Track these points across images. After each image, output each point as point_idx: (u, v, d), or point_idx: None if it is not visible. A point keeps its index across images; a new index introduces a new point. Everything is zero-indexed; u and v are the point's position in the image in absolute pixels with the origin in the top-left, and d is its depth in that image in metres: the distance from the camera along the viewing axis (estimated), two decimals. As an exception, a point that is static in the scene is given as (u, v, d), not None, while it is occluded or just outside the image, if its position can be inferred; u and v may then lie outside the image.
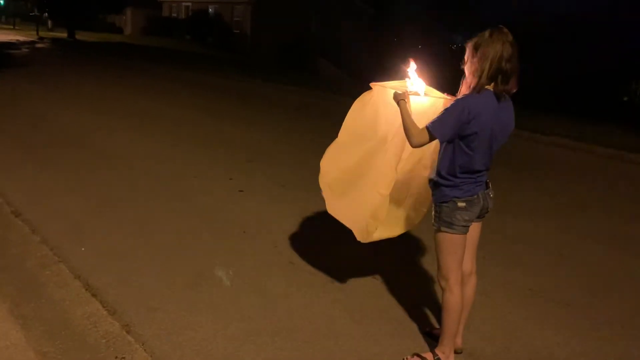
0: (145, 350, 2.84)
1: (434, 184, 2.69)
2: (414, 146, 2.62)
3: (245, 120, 10.12)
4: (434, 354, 2.81)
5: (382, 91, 3.06)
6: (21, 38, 30.05)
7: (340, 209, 3.31)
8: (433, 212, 2.73)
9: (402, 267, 4.12)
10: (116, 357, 2.77)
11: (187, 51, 27.32)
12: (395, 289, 3.71)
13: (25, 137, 7.50)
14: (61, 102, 10.68)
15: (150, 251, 4.11)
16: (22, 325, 3.03)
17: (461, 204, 2.61)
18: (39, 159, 6.41)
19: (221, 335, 3.04)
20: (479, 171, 2.62)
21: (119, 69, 18.08)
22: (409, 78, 2.94)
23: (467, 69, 2.56)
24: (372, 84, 3.13)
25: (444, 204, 2.64)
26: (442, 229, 2.66)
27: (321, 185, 3.39)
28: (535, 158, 8.73)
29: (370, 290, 3.69)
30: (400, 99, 2.70)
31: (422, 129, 2.55)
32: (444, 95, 2.94)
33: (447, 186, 2.62)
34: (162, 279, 3.66)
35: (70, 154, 6.76)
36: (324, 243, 4.44)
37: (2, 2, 49.16)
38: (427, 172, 3.01)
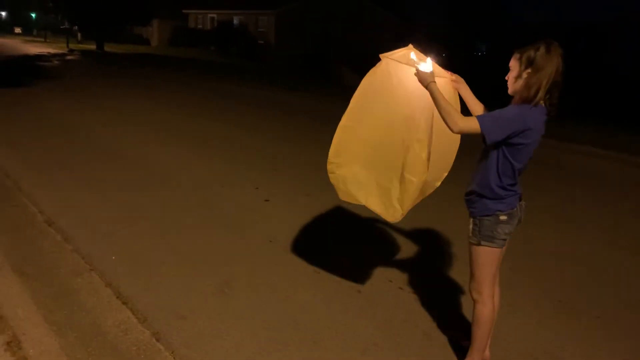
0: (174, 358, 2.89)
1: (476, 196, 2.63)
2: (456, 132, 2.51)
3: (271, 130, 10.21)
4: None
5: (393, 65, 2.89)
6: (52, 50, 30.86)
7: (360, 193, 3.10)
8: (471, 225, 2.68)
9: (428, 277, 4.10)
10: (147, 364, 2.83)
11: (212, 61, 27.73)
12: (422, 298, 3.70)
13: (58, 148, 7.68)
14: (91, 113, 10.93)
15: (178, 260, 4.18)
16: (55, 332, 3.11)
17: (503, 217, 2.57)
18: (70, 169, 6.56)
19: (248, 344, 3.07)
20: (516, 182, 2.60)
21: (147, 79, 18.43)
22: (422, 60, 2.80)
23: (516, 80, 2.52)
24: (381, 55, 2.94)
25: (486, 218, 2.59)
26: (483, 243, 2.62)
27: (332, 179, 3.22)
28: (565, 166, 8.61)
29: (396, 300, 3.69)
30: (429, 82, 2.61)
31: (470, 117, 2.49)
32: (448, 74, 2.88)
33: (492, 199, 2.57)
34: (190, 287, 3.71)
35: (100, 164, 6.91)
36: (350, 253, 4.45)
37: (33, 15, 50.66)
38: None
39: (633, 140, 10.50)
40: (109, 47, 33.38)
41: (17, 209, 5.09)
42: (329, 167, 3.16)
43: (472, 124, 2.45)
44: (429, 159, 2.74)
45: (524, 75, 2.48)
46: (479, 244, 2.64)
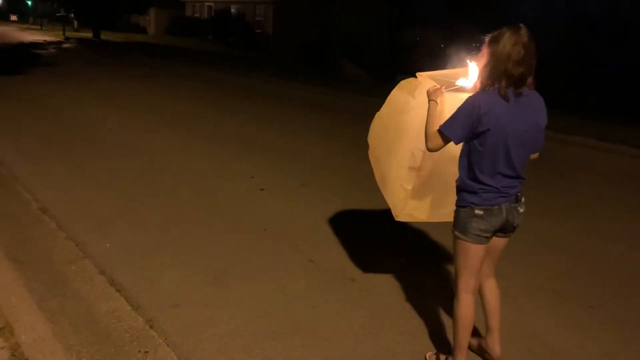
0: (168, 345, 2.89)
1: (457, 187, 2.62)
2: (429, 150, 2.59)
3: (268, 119, 10.17)
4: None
5: (427, 83, 2.94)
6: (48, 38, 30.64)
7: (381, 182, 3.30)
8: (453, 216, 2.67)
9: (423, 267, 4.10)
10: (140, 352, 2.83)
11: (209, 51, 27.56)
12: (417, 289, 3.70)
13: (52, 136, 7.65)
14: (87, 101, 10.87)
15: (173, 248, 4.17)
16: (48, 319, 3.11)
17: (478, 212, 2.49)
18: (65, 157, 6.54)
19: (242, 332, 3.07)
20: (505, 177, 2.49)
21: (143, 68, 18.32)
22: (466, 75, 2.78)
23: (478, 64, 2.52)
24: (418, 74, 3.00)
25: (462, 208, 2.56)
26: (456, 233, 2.59)
27: (371, 159, 3.39)
28: (563, 158, 8.60)
29: (391, 289, 3.69)
30: (432, 99, 2.63)
31: (435, 131, 2.51)
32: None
33: (467, 191, 2.54)
34: (184, 276, 3.71)
35: (95, 152, 6.88)
36: (345, 242, 4.44)
37: (30, 3, 50.20)
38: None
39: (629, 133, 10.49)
40: (105, 36, 33.13)
41: (12, 197, 5.08)
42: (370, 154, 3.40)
43: (437, 137, 2.51)
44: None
45: (481, 58, 2.48)
46: (453, 233, 2.62)
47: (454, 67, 2.92)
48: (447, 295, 3.62)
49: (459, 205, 2.59)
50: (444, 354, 2.85)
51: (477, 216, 2.50)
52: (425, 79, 2.95)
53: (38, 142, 7.19)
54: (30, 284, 3.49)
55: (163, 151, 7.21)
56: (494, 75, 2.39)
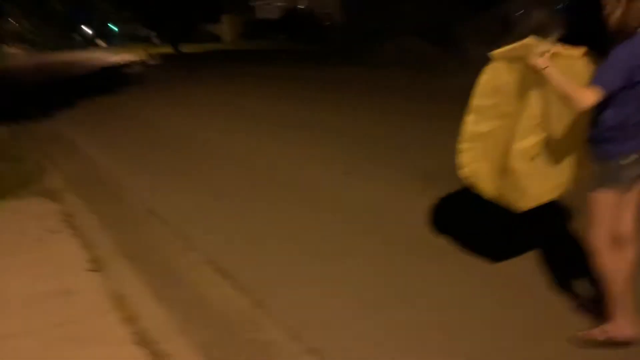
0: (276, 323, 3.05)
1: (594, 140, 2.53)
2: (581, 110, 2.42)
3: (353, 106, 10.24)
4: (603, 330, 2.60)
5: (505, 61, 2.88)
6: (133, 58, 32.55)
7: (489, 186, 3.11)
8: (592, 171, 2.57)
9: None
10: (250, 331, 3.01)
11: (281, 49, 28.03)
12: (532, 256, 3.62)
13: (152, 147, 8.19)
14: (179, 111, 11.51)
15: (273, 234, 4.39)
16: (166, 307, 3.36)
17: (626, 161, 2.42)
18: (165, 164, 6.99)
19: (348, 306, 3.18)
20: None
21: (225, 74, 19.00)
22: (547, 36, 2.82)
23: (614, 14, 2.39)
24: (492, 53, 2.93)
25: (606, 160, 2.48)
26: (601, 187, 2.49)
27: (463, 173, 3.20)
28: None
29: (497, 266, 3.62)
30: (541, 68, 2.52)
31: (585, 88, 2.38)
32: (578, 51, 2.74)
33: (611, 141, 2.45)
34: (287, 259, 3.89)
35: (192, 157, 7.29)
36: (431, 214, 4.42)
37: (115, 28, 53.73)
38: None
39: None
40: (184, 48, 34.72)
41: (121, 202, 5.52)
42: (460, 160, 3.19)
43: (590, 94, 2.35)
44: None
45: (621, 5, 2.34)
46: (597, 189, 2.50)
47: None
48: (569, 263, 3.52)
49: (602, 158, 2.50)
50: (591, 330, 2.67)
51: (624, 166, 2.44)
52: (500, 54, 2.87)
53: (138, 151, 7.74)
54: (147, 277, 3.78)
55: (251, 148, 7.49)
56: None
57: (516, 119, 2.90)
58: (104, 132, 9.60)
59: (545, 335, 2.77)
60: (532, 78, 2.73)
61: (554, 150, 2.91)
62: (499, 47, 2.91)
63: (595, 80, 2.38)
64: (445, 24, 21.13)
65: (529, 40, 2.73)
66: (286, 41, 33.58)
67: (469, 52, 16.51)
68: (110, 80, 19.99)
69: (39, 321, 3.20)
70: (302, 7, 35.28)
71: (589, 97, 2.35)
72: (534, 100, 2.81)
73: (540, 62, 2.54)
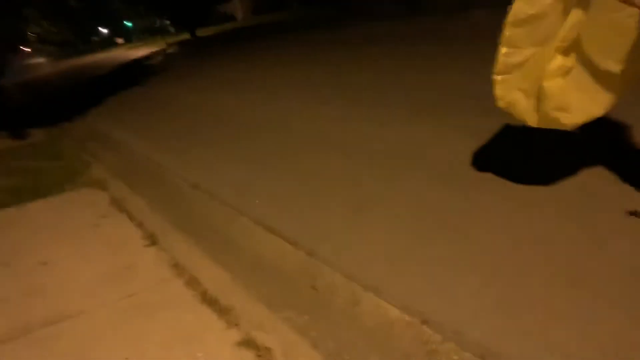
0: (331, 267, 3.12)
1: None
2: None
3: (374, 60, 10.10)
4: None
5: None
6: (153, 49, 32.89)
7: (527, 114, 3.06)
8: None
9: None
10: (309, 278, 3.10)
11: (295, 18, 27.70)
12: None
13: (183, 126, 8.32)
14: (203, 87, 11.63)
15: (311, 189, 4.44)
16: (225, 269, 3.49)
17: None
18: (199, 140, 7.11)
19: (394, 244, 3.23)
20: None
21: (242, 52, 18.99)
22: None
23: None
24: None
25: None
26: None
27: (501, 104, 3.14)
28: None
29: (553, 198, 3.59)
30: None
31: None
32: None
33: None
34: (330, 211, 3.93)
35: (227, 131, 7.39)
36: (476, 151, 4.37)
37: (130, 24, 54.14)
38: None
39: None
40: (200, 32, 34.81)
41: (165, 182, 5.67)
42: (496, 93, 3.11)
43: None
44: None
45: None
46: None
47: None
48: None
49: None
50: None
51: None
52: None
53: (171, 134, 7.89)
54: (201, 245, 3.92)
55: (280, 110, 7.52)
56: None
57: (549, 42, 2.83)
58: (136, 121, 9.82)
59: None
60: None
61: (591, 68, 2.84)
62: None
63: None
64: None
65: None
66: (300, 9, 33.18)
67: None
68: (134, 74, 20.33)
69: (107, 295, 3.37)
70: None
71: None
72: (569, 21, 2.73)
73: None
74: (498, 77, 3.09)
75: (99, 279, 3.64)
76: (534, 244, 2.91)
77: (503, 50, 3.01)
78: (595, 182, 3.36)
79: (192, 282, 3.35)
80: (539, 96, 2.91)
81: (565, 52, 2.80)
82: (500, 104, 3.13)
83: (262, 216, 4.12)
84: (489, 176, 3.83)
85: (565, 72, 2.85)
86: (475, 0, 12.82)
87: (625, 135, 3.87)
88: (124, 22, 56.47)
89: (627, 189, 3.17)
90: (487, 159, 4.11)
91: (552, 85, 2.82)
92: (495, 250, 2.93)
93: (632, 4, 2.49)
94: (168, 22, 40.79)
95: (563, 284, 2.54)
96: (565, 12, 2.76)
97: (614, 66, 2.75)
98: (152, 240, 4.13)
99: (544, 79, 2.85)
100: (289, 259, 3.42)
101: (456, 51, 8.57)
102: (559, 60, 2.80)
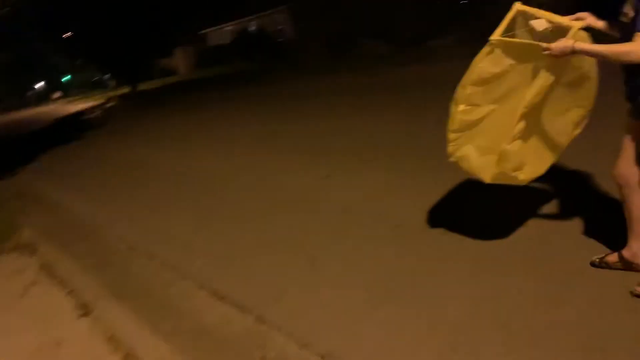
0: (282, 334, 2.91)
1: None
2: None
3: (309, 116, 10.17)
4: (620, 255, 2.73)
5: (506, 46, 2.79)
6: (92, 104, 32.18)
7: (481, 170, 3.03)
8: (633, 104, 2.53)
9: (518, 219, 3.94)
10: (257, 347, 2.87)
11: (235, 72, 27.88)
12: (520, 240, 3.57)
13: (122, 183, 7.97)
14: (130, 143, 11.29)
15: (260, 247, 4.25)
16: (165, 340, 3.21)
17: None
18: (136, 198, 6.78)
19: (348, 305, 3.07)
20: None
21: (182, 105, 18.80)
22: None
23: None
24: (491, 38, 2.82)
25: None
26: None
27: (454, 159, 3.11)
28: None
29: (484, 243, 3.57)
30: (570, 47, 2.51)
31: (635, 39, 2.32)
32: (568, 20, 2.72)
33: None
34: (280, 270, 3.75)
35: (162, 185, 7.10)
36: (430, 205, 4.34)
37: (68, 78, 53.01)
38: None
39: None
40: (141, 86, 34.40)
41: (99, 243, 5.31)
42: (449, 149, 3.07)
43: None
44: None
45: None
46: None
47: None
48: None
49: None
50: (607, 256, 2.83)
51: None
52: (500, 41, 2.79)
53: (108, 191, 7.51)
54: (139, 313, 3.62)
55: (222, 168, 7.34)
56: None
57: (512, 103, 2.84)
58: (72, 179, 9.34)
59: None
60: (529, 60, 2.72)
61: (544, 130, 2.95)
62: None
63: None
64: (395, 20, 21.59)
65: (518, 6, 2.76)
66: (241, 63, 33.54)
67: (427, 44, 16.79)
68: (70, 129, 19.63)
69: (32, 378, 3.01)
70: (253, 27, 35.32)
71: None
72: (535, 86, 2.75)
73: (563, 45, 2.52)
74: (453, 135, 3.06)
75: (25, 358, 3.27)
76: (489, 300, 2.83)
77: (460, 107, 2.96)
78: (550, 235, 3.36)
79: (131, 356, 3.05)
80: (499, 158, 2.86)
81: (526, 116, 2.81)
82: (452, 159, 3.10)
83: (206, 278, 3.88)
84: (440, 231, 3.78)
85: (526, 135, 2.86)
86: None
87: (580, 185, 3.96)
88: (62, 75, 55.25)
89: (584, 240, 3.18)
90: (438, 213, 4.08)
91: (512, 148, 2.82)
92: (453, 310, 2.82)
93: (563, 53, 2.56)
94: (108, 75, 40.16)
95: (523, 345, 2.45)
96: (526, 71, 2.79)
97: (565, 130, 2.90)
98: (86, 309, 3.80)
99: (505, 142, 2.82)
100: (235, 326, 3.18)
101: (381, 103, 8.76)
102: (521, 125, 2.81)
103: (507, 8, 2.86)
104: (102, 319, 3.59)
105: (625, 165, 2.63)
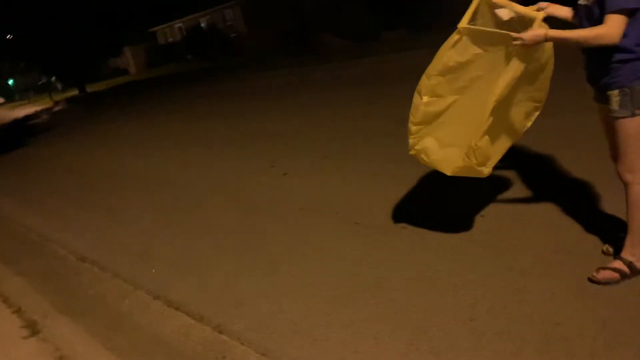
0: (242, 343, 2.79)
1: (619, 63, 2.37)
2: (617, 40, 2.30)
3: (265, 114, 10.03)
4: (623, 259, 2.55)
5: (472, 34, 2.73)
6: (38, 108, 30.87)
7: (442, 163, 2.98)
8: (617, 98, 2.41)
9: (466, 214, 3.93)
10: (217, 358, 2.74)
11: (189, 70, 27.33)
12: (470, 236, 3.55)
13: (67, 190, 7.63)
14: (91, 148, 10.88)
15: (218, 254, 4.08)
16: (119, 356, 3.05)
17: None
18: (85, 205, 6.50)
19: (309, 310, 2.97)
20: None
21: (133, 107, 18.27)
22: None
23: None
24: (460, 27, 2.74)
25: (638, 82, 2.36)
26: (638, 112, 2.37)
27: (414, 153, 3.04)
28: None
29: (444, 236, 3.54)
30: (543, 35, 2.47)
31: (607, 21, 2.28)
32: (532, 10, 2.67)
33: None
34: (239, 276, 3.61)
35: (109, 190, 6.83)
36: (390, 200, 4.29)
37: (11, 81, 50.83)
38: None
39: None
40: (90, 88, 33.33)
41: (48, 256, 5.04)
42: (410, 142, 3.00)
43: (615, 22, 2.27)
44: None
45: None
46: (633, 115, 2.39)
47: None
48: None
49: (635, 78, 2.36)
50: (610, 263, 2.62)
51: None
52: (467, 29, 2.73)
53: (55, 200, 7.17)
54: (91, 329, 3.43)
55: (167, 166, 7.13)
56: None
57: (474, 94, 2.81)
58: (15, 187, 8.89)
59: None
60: (495, 50, 2.68)
61: (506, 116, 2.91)
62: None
63: (615, 5, 2.27)
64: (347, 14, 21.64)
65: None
66: (194, 61, 32.91)
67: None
68: (13, 135, 18.77)
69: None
70: (203, 23, 34.66)
71: (615, 23, 2.27)
72: (494, 74, 2.71)
73: (536, 33, 2.48)
74: (415, 127, 2.99)
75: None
76: (452, 294, 2.79)
77: (425, 99, 2.89)
78: (511, 226, 3.35)
79: (81, 378, 2.87)
80: (468, 153, 2.79)
81: (495, 109, 2.74)
82: (412, 152, 3.04)
83: (161, 288, 3.70)
84: (401, 226, 3.73)
85: (491, 128, 2.78)
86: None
87: (540, 175, 3.97)
88: (4, 80, 52.95)
89: (545, 230, 3.18)
90: (399, 208, 4.03)
91: (482, 144, 2.76)
92: (416, 307, 2.76)
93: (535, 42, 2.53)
94: (54, 78, 38.69)
95: (489, 337, 2.41)
96: (491, 61, 2.74)
97: (519, 120, 2.92)
98: (33, 329, 3.58)
99: (474, 138, 2.74)
100: (194, 336, 3.03)
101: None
102: (490, 120, 2.74)
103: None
104: (50, 338, 3.39)
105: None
